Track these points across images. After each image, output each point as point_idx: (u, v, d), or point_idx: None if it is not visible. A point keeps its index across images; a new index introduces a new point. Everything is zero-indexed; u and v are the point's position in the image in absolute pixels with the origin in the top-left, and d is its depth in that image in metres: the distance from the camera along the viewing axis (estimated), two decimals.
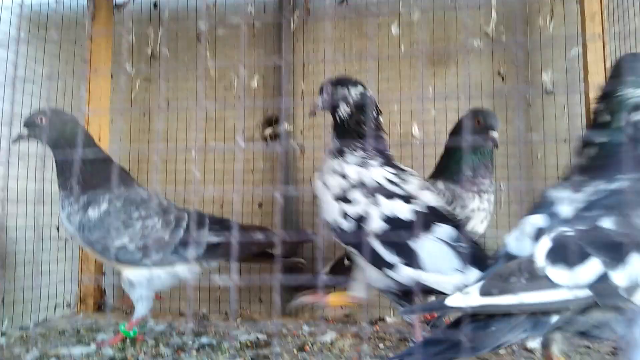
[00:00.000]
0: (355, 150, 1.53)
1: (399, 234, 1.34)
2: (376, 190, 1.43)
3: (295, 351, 1.57)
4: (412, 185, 1.48)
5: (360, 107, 1.55)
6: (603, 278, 1.00)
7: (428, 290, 1.34)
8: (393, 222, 1.38)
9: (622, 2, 1.91)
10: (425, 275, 1.32)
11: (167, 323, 1.87)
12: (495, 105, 2.07)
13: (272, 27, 2.36)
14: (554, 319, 1.03)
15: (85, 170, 1.63)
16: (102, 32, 2.44)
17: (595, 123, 1.25)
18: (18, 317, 1.95)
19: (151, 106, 2.49)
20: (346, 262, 1.81)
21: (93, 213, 1.61)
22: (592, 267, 1.00)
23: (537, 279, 1.01)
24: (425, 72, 2.17)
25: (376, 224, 1.39)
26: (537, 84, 2.01)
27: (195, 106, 2.40)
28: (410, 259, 1.33)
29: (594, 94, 1.86)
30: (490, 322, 1.02)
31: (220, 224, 1.68)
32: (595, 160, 1.20)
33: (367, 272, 1.43)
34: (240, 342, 1.64)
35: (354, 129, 1.54)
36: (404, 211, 1.40)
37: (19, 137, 1.68)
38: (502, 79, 2.08)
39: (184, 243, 1.63)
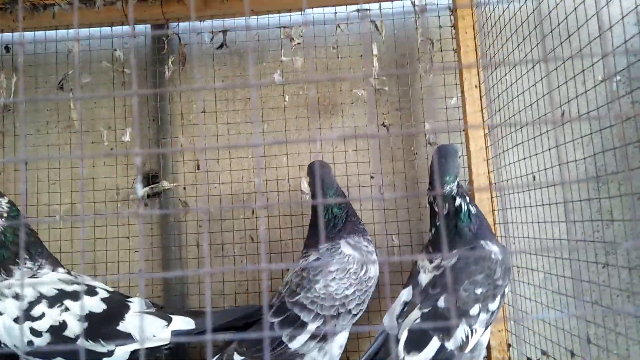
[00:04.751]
0: (23, 264, 1.54)
1: (106, 327, 1.50)
2: (60, 297, 1.50)
3: None
4: (86, 277, 1.63)
5: (12, 217, 1.55)
6: (441, 349, 1.43)
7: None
8: (90, 317, 1.51)
9: (496, 52, 1.95)
10: (139, 344, 1.49)
11: None
12: (382, 156, 2.04)
13: (145, 73, 2.16)
14: None
15: None
16: None
17: (431, 207, 1.63)
18: None
19: (6, 164, 2.16)
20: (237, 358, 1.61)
21: None
22: (433, 345, 1.43)
23: None
24: (312, 123, 2.08)
25: (76, 327, 1.48)
26: (422, 134, 2.00)
27: (59, 164, 2.12)
28: (125, 338, 1.50)
29: (473, 145, 1.90)
30: None
31: None
32: (435, 237, 1.60)
33: None
34: None
35: (14, 241, 1.54)
36: (95, 304, 1.53)
37: None
38: (387, 130, 2.04)
39: None
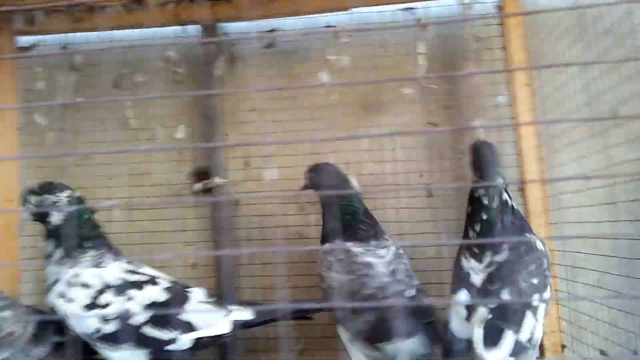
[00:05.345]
0: (86, 253, 1.63)
1: (168, 316, 1.58)
2: (124, 287, 1.59)
3: None
4: (147, 267, 1.70)
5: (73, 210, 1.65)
6: (516, 343, 1.40)
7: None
8: (154, 306, 1.58)
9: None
10: (203, 332, 1.59)
11: None
12: (431, 155, 2.05)
13: (196, 73, 2.22)
14: None
15: None
16: (6, 79, 2.21)
17: (473, 201, 1.57)
18: None
19: (66, 160, 2.27)
20: None
21: None
22: (509, 338, 1.40)
23: None
24: (358, 121, 2.11)
25: (141, 316, 1.57)
26: (470, 132, 2.00)
27: (115, 160, 2.22)
28: (186, 327, 1.58)
29: (525, 144, 1.89)
30: None
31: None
32: (480, 234, 1.55)
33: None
34: None
35: (76, 232, 1.62)
36: (157, 294, 1.61)
37: None
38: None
39: (32, 341, 1.61)
